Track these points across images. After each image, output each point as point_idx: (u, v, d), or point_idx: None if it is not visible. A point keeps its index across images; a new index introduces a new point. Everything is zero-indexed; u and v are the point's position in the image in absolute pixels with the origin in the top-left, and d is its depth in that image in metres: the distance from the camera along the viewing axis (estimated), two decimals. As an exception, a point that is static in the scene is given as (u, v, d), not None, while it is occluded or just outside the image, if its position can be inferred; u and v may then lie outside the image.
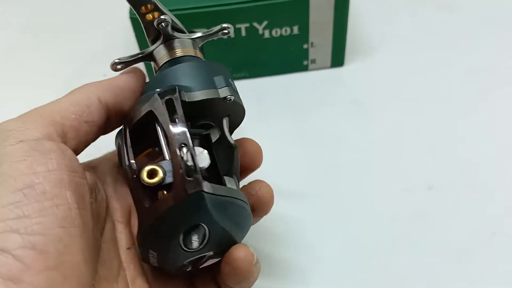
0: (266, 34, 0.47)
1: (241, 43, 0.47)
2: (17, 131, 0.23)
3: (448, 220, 0.39)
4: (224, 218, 0.26)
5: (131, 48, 0.53)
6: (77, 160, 0.25)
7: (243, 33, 0.47)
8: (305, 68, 0.51)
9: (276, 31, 0.47)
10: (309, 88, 0.50)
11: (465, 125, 0.45)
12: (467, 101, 0.47)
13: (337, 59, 0.51)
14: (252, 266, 0.27)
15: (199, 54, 0.31)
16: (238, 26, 0.46)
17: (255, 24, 0.46)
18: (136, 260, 0.29)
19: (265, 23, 0.46)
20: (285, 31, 0.47)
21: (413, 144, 0.44)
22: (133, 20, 0.45)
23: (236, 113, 0.30)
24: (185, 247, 0.25)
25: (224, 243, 0.27)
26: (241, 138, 0.31)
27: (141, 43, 0.47)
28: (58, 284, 0.21)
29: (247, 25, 0.46)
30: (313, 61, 0.51)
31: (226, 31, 0.31)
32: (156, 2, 0.29)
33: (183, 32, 0.31)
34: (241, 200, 0.27)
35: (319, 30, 0.47)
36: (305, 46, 0.49)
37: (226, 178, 0.29)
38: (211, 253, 0.27)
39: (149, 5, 0.29)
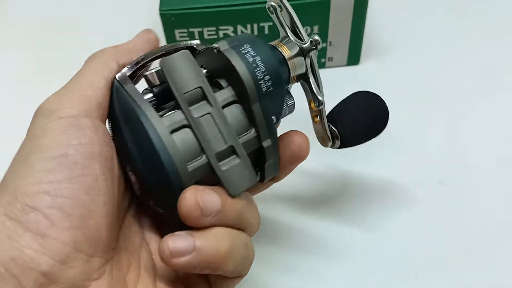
0: (288, 32, 0.50)
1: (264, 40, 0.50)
2: (58, 110, 0.26)
3: (458, 214, 0.41)
4: (124, 122, 0.28)
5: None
6: (109, 136, 0.28)
7: (266, 31, 0.49)
8: (322, 65, 0.54)
9: (297, 30, 0.50)
10: (325, 85, 0.53)
11: (474, 123, 0.48)
12: (476, 100, 0.50)
13: (353, 58, 0.53)
14: (201, 218, 0.25)
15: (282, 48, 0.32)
16: (261, 24, 0.49)
17: (278, 23, 0.49)
18: (158, 236, 0.31)
19: (287, 22, 0.49)
20: (306, 30, 0.50)
21: (424, 141, 0.47)
22: (163, 16, 0.48)
23: (233, 78, 0.28)
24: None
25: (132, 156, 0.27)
26: (289, 131, 0.33)
27: (169, 40, 0.50)
28: (80, 242, 0.24)
29: (270, 23, 0.49)
30: (331, 59, 0.53)
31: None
32: None
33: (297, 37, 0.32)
34: (146, 117, 0.26)
35: (338, 30, 0.50)
36: (323, 44, 0.51)
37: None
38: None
39: None
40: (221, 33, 0.49)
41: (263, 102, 0.28)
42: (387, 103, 0.50)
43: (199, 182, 0.27)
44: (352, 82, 0.53)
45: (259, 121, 0.28)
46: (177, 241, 0.25)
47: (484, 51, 0.55)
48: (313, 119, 0.34)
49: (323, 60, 0.53)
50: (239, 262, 0.27)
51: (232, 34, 0.49)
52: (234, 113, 0.29)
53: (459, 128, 0.48)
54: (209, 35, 0.49)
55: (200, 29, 0.49)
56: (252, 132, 0.29)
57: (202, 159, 0.27)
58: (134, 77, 0.30)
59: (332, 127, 0.35)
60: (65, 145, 0.24)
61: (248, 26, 0.49)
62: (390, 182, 0.44)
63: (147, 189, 0.28)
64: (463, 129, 0.48)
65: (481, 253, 0.39)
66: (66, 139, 0.25)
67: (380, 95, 0.38)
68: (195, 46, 0.31)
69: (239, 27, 0.49)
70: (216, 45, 0.29)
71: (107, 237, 0.25)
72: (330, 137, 0.35)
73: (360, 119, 0.36)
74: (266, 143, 0.29)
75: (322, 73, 0.54)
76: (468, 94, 0.51)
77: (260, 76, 0.28)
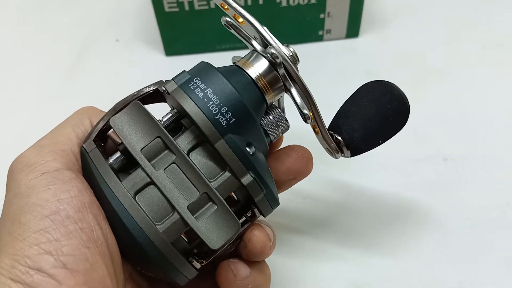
0: (284, 2, 0.47)
1: (258, 11, 0.47)
2: (39, 163, 0.26)
3: (463, 190, 0.40)
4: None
5: (145, 11, 0.52)
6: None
7: (261, 1, 0.47)
8: (320, 38, 0.51)
9: (294, 0, 0.47)
10: (323, 58, 0.51)
11: (479, 97, 0.46)
12: (481, 74, 0.48)
13: (352, 30, 0.51)
14: (268, 248, 0.29)
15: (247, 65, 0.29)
16: (256, -6, 0.46)
17: (273, -7, 0.46)
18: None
19: (283, -9, 0.46)
20: (303, 0, 0.47)
21: (427, 116, 0.45)
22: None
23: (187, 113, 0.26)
24: None
25: None
26: (294, 145, 0.31)
27: (157, 6, 0.47)
28: None
29: (265, -7, 0.46)
30: (329, 31, 0.51)
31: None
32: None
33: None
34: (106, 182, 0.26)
35: (337, 0, 0.47)
36: (321, 16, 0.49)
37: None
38: None
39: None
40: (212, 3, 0.46)
41: (229, 136, 0.26)
42: (387, 77, 0.48)
43: (178, 240, 0.26)
44: (351, 55, 0.51)
45: (229, 159, 0.26)
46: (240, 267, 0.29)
47: (491, 24, 0.53)
48: (314, 130, 0.30)
49: (320, 33, 0.51)
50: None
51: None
52: (202, 155, 0.26)
53: (464, 103, 0.46)
54: (200, 5, 0.47)
55: (190, -1, 0.46)
56: (227, 172, 0.26)
57: (173, 216, 0.26)
58: (105, 137, 0.28)
59: (336, 136, 0.30)
60: (54, 201, 0.24)
61: (242, -4, 0.46)
62: (393, 158, 0.42)
63: (126, 258, 0.27)
64: (468, 104, 0.46)
65: (485, 229, 0.37)
66: (55, 194, 0.25)
67: (393, 83, 0.32)
68: (160, 90, 0.28)
69: (232, -3, 0.46)
70: (164, 88, 0.27)
71: (111, 284, 0.25)
72: (336, 148, 0.30)
73: (371, 119, 0.30)
74: (246, 180, 0.26)
75: (320, 46, 0.53)
76: (473, 68, 0.49)
77: (216, 110, 0.26)
